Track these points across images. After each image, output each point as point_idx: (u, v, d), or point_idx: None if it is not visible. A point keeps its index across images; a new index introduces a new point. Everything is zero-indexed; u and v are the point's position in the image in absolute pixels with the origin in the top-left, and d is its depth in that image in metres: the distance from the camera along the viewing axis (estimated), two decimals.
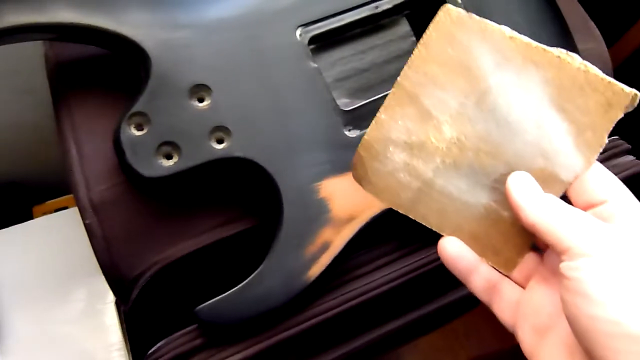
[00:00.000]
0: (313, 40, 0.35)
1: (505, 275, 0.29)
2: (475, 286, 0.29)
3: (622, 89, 0.27)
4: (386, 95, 0.30)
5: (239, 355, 0.32)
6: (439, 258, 0.35)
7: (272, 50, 0.34)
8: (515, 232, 0.29)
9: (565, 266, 0.24)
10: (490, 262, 0.29)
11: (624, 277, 0.23)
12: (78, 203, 0.34)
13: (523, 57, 0.28)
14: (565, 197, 0.27)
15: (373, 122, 0.30)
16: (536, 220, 0.26)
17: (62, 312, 0.53)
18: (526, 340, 0.27)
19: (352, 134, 0.34)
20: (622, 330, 0.22)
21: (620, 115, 0.27)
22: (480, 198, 0.29)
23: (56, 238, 0.56)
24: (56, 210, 0.62)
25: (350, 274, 0.34)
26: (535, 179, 0.27)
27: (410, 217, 0.30)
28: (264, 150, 0.32)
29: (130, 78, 0.35)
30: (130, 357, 0.50)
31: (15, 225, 0.57)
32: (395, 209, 0.30)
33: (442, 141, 0.29)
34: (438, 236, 0.30)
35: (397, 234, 0.36)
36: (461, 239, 0.29)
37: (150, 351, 0.33)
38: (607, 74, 0.28)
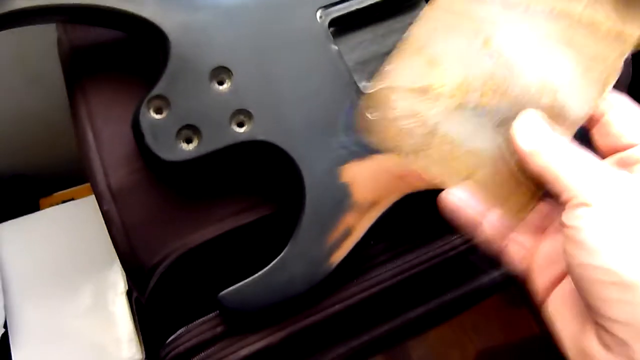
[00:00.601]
0: (333, 22, 0.34)
1: (516, 227, 0.27)
2: (483, 236, 0.27)
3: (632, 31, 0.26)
4: None
5: (262, 343, 0.31)
6: (461, 245, 0.35)
7: (293, 32, 0.33)
8: (525, 177, 0.27)
9: (565, 215, 0.23)
10: (499, 211, 0.27)
11: (622, 226, 0.22)
12: (95, 190, 0.33)
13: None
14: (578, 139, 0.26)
15: (377, 75, 0.30)
16: (541, 170, 0.24)
17: (72, 304, 0.52)
18: (539, 290, 0.26)
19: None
20: (614, 278, 0.21)
21: (630, 49, 0.26)
22: (486, 142, 0.28)
23: (64, 229, 0.55)
24: (63, 202, 0.61)
25: (372, 260, 0.34)
26: (545, 116, 0.26)
27: (413, 168, 0.29)
28: (286, 133, 0.32)
29: (146, 62, 0.34)
30: (143, 348, 0.49)
31: (23, 217, 0.56)
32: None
33: (447, 85, 0.29)
34: None
35: (417, 220, 0.35)
36: (466, 188, 0.28)
37: (170, 339, 0.33)
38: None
